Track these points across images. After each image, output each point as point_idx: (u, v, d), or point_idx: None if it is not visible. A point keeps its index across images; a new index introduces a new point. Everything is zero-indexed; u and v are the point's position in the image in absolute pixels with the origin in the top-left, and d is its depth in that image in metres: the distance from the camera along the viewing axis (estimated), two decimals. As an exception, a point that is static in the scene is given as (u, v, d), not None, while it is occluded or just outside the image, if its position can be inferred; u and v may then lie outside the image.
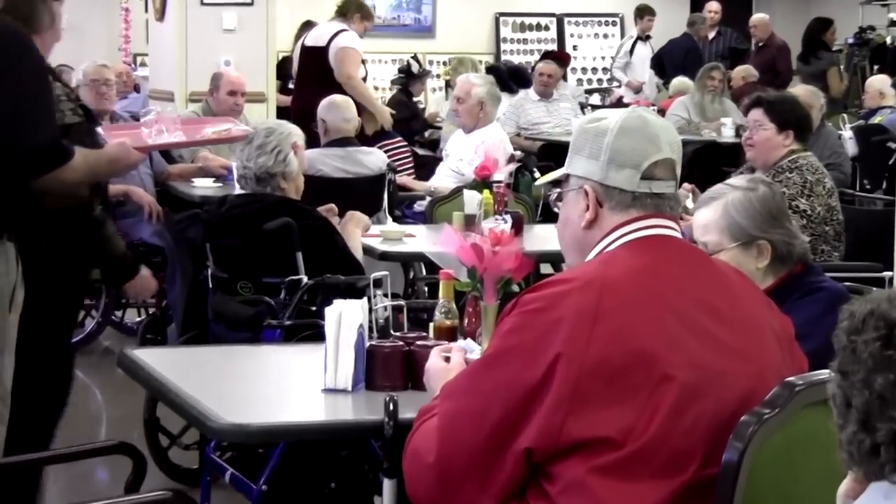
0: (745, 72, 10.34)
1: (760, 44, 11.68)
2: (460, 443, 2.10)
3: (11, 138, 3.16)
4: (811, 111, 5.70)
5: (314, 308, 4.02)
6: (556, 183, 2.34)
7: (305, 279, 4.13)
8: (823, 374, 2.11)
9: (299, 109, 7.19)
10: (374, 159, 6.33)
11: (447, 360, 2.52)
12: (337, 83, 7.35)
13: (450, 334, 2.88)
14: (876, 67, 11.73)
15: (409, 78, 9.66)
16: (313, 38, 7.70)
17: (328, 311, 2.90)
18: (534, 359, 2.06)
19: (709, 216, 2.95)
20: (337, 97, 6.41)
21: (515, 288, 2.81)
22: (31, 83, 3.26)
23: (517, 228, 5.13)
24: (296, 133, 4.40)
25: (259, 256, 4.28)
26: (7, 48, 3.25)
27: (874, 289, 3.13)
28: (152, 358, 3.11)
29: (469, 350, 2.64)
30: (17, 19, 3.24)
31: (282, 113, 8.38)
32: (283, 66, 9.07)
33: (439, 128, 9.25)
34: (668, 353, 2.07)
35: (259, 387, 3.05)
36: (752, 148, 4.66)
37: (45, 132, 3.23)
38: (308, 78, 7.54)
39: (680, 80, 10.31)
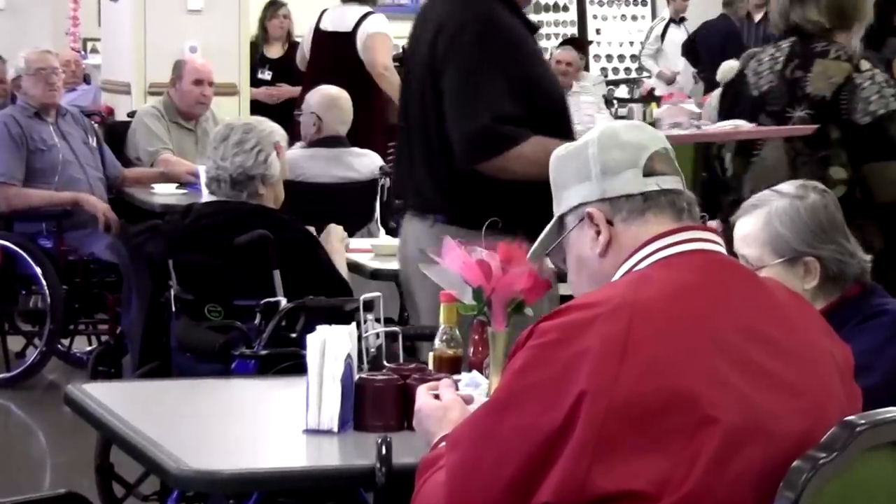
0: (783, 63, 10.26)
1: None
2: (472, 500, 2.10)
3: (451, 124, 3.55)
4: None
5: (294, 335, 4.02)
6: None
7: (284, 301, 4.13)
8: (891, 411, 2.11)
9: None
10: (365, 162, 6.35)
11: (437, 398, 2.52)
12: (361, 75, 7.38)
13: (452, 365, 2.87)
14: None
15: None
16: (334, 22, 7.71)
17: (310, 338, 2.90)
18: (553, 400, 2.05)
19: (750, 226, 2.95)
20: (334, 91, 6.42)
21: (529, 312, 2.80)
22: (473, 62, 3.59)
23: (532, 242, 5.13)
24: (278, 132, 4.42)
25: (230, 275, 4.29)
26: (466, 25, 3.65)
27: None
28: (105, 394, 3.11)
29: (475, 384, 2.64)
30: None
31: (256, 108, 8.39)
32: (255, 54, 9.10)
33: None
34: (711, 391, 2.06)
35: (230, 427, 3.04)
36: None
37: (479, 117, 3.50)
38: (326, 68, 7.54)
39: (729, 67, 10.17)
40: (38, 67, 6.50)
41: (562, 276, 2.62)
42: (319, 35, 7.78)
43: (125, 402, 3.07)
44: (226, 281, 4.31)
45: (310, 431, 2.81)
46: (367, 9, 7.63)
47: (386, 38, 7.59)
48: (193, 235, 4.33)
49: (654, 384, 2.05)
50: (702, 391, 2.06)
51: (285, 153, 4.49)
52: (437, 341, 2.92)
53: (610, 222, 2.23)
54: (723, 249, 2.26)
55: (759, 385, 2.11)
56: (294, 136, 6.40)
